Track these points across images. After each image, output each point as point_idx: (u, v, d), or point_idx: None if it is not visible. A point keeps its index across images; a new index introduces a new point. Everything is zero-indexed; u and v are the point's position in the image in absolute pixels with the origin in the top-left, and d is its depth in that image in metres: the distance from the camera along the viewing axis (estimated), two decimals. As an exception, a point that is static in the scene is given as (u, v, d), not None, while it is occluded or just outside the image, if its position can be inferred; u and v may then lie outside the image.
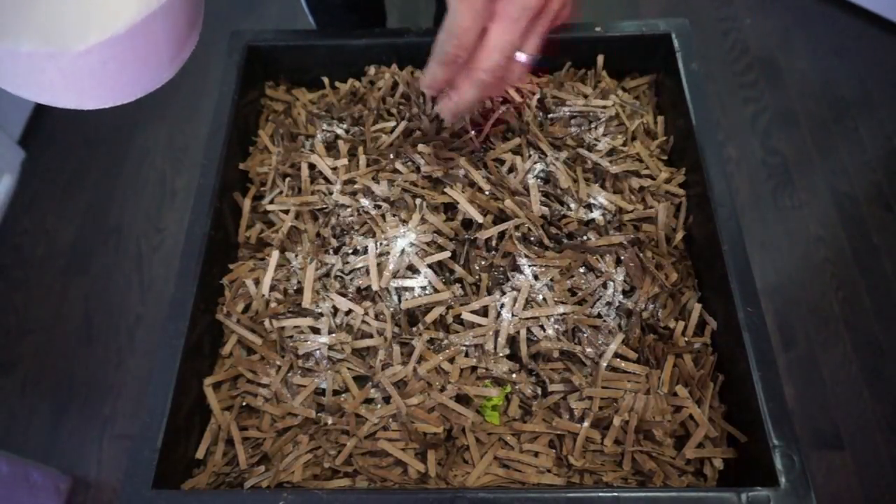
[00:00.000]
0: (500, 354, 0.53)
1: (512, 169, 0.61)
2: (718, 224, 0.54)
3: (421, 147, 0.62)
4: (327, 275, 0.57)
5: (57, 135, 1.53)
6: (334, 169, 0.62)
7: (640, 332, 0.54)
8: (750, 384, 0.48)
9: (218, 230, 0.59)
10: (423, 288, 0.55)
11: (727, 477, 0.50)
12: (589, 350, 0.53)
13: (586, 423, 0.50)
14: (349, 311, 0.55)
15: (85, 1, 0.39)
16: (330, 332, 0.55)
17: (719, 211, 0.55)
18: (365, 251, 0.57)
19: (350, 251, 0.58)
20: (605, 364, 0.52)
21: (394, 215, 0.59)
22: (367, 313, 0.55)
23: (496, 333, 0.53)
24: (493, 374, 0.52)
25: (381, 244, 0.57)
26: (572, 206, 0.59)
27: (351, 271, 0.57)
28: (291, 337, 0.55)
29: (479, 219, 0.57)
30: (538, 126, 0.64)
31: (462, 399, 0.52)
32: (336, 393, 0.54)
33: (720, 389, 0.53)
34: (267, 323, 0.56)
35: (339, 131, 0.66)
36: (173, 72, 0.47)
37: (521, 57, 0.46)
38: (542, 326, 0.53)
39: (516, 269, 0.56)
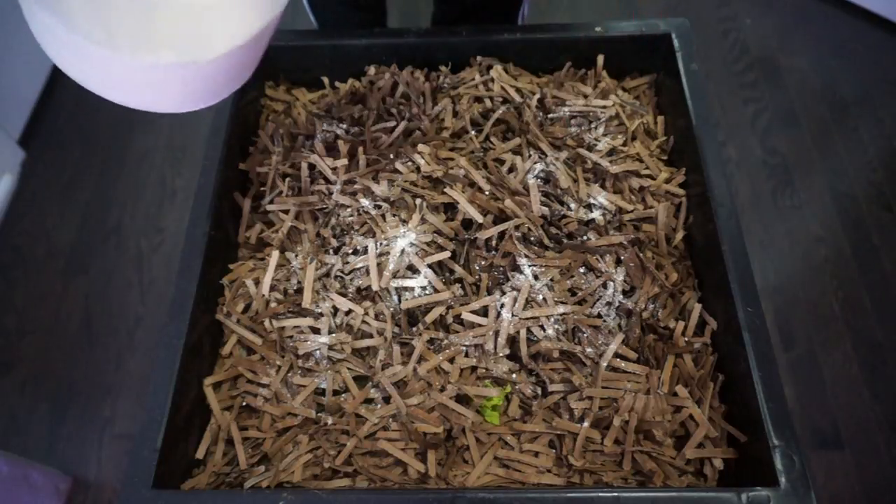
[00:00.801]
0: (500, 354, 0.53)
1: (512, 169, 0.61)
2: (718, 224, 0.54)
3: (421, 147, 0.62)
4: (327, 275, 0.57)
5: (57, 135, 1.53)
6: (334, 169, 0.62)
7: (640, 332, 0.54)
8: (750, 384, 0.48)
9: (218, 230, 0.59)
10: (423, 288, 0.55)
11: (727, 477, 0.50)
12: (589, 350, 0.53)
13: (586, 423, 0.50)
14: (349, 311, 0.55)
15: (208, 15, 0.41)
16: (330, 332, 0.55)
17: (719, 211, 0.55)
18: (365, 251, 0.57)
19: (350, 251, 0.58)
20: (605, 364, 0.52)
21: (394, 215, 0.59)
22: (367, 313, 0.55)
23: (496, 333, 0.53)
24: (493, 374, 0.52)
25: (381, 244, 0.57)
26: (572, 206, 0.59)
27: (351, 271, 0.57)
28: (291, 337, 0.55)
29: (479, 219, 0.57)
30: (538, 126, 0.64)
31: (462, 399, 0.52)
32: (336, 393, 0.54)
33: (720, 389, 0.53)
34: (267, 323, 0.56)
35: (339, 131, 0.66)
36: (250, 75, 0.50)
37: None
38: (542, 326, 0.53)
39: (516, 269, 0.56)
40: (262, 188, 0.65)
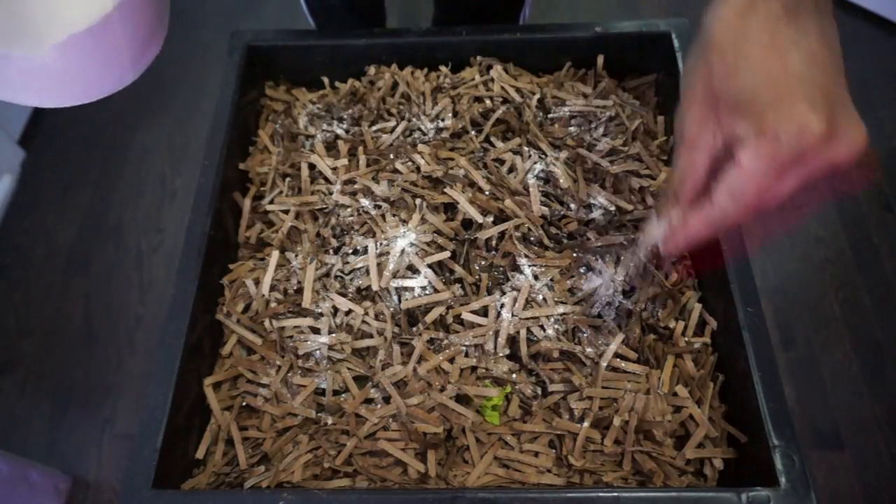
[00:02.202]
0: (500, 354, 0.53)
1: (512, 169, 0.61)
2: (718, 224, 0.54)
3: (421, 147, 0.62)
4: (327, 275, 0.57)
5: (57, 135, 1.53)
6: (334, 169, 0.62)
7: (640, 332, 0.54)
8: (750, 384, 0.48)
9: (218, 230, 0.59)
10: (423, 288, 0.55)
11: (727, 477, 0.50)
12: (589, 350, 0.53)
13: (586, 423, 0.50)
14: (349, 311, 0.55)
15: (44, 3, 0.39)
16: (330, 332, 0.55)
17: (719, 211, 0.55)
18: (365, 251, 0.57)
19: (350, 251, 0.58)
20: (605, 364, 0.52)
21: (394, 215, 0.59)
22: (367, 313, 0.55)
23: (496, 333, 0.53)
24: (493, 374, 0.52)
25: (381, 244, 0.57)
26: (572, 206, 0.59)
27: (351, 271, 0.57)
28: (291, 337, 0.55)
29: (479, 219, 0.57)
30: (538, 126, 0.64)
31: (462, 399, 0.52)
32: (336, 393, 0.54)
33: (720, 389, 0.53)
34: (267, 323, 0.56)
35: (339, 131, 0.66)
36: (136, 73, 0.47)
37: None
38: (542, 326, 0.53)
39: (516, 269, 0.56)
40: (262, 188, 0.65)
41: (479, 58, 0.69)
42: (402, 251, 0.56)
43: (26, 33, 0.39)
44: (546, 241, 0.57)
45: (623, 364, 0.52)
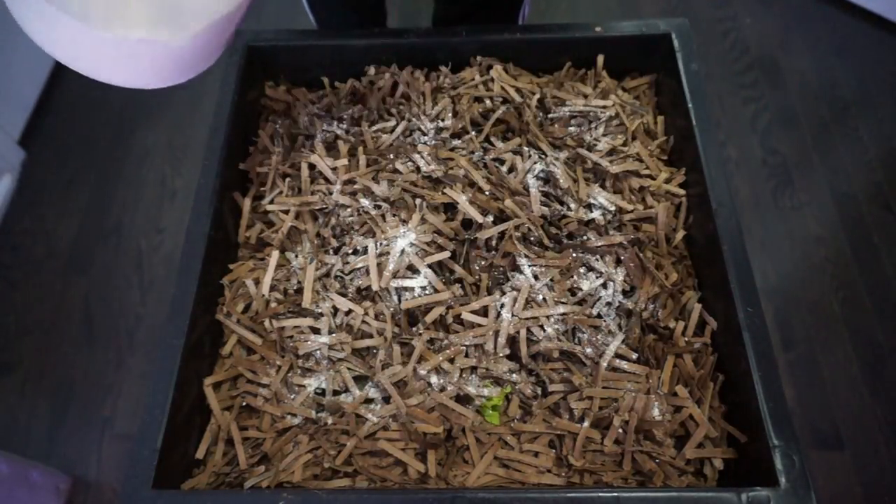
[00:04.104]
0: (500, 354, 0.53)
1: (512, 169, 0.61)
2: (718, 224, 0.54)
3: (421, 147, 0.62)
4: (327, 275, 0.57)
5: (57, 135, 1.53)
6: (334, 169, 0.62)
7: (640, 332, 0.54)
8: (750, 384, 0.48)
9: (218, 230, 0.59)
10: (423, 288, 0.55)
11: (727, 477, 0.50)
12: (589, 350, 0.53)
13: (586, 423, 0.50)
14: (349, 311, 0.55)
15: None
16: (330, 332, 0.55)
17: (719, 211, 0.55)
18: (365, 251, 0.57)
19: (350, 251, 0.58)
20: (605, 364, 0.52)
21: (394, 215, 0.59)
22: (367, 313, 0.55)
23: (496, 333, 0.53)
24: (493, 374, 0.52)
25: (381, 244, 0.57)
26: (572, 206, 0.59)
27: (351, 271, 0.57)
28: (291, 337, 0.55)
29: (479, 219, 0.57)
30: (538, 126, 0.64)
31: (462, 399, 0.52)
32: (336, 393, 0.54)
33: (720, 389, 0.53)
34: (267, 323, 0.56)
35: (339, 131, 0.66)
36: (221, 54, 0.52)
37: None
38: (542, 326, 0.53)
39: (516, 269, 0.56)
40: (262, 188, 0.65)
41: (479, 58, 0.69)
42: (402, 251, 0.56)
43: (173, 21, 0.42)
44: (546, 241, 0.57)
45: (623, 364, 0.52)
